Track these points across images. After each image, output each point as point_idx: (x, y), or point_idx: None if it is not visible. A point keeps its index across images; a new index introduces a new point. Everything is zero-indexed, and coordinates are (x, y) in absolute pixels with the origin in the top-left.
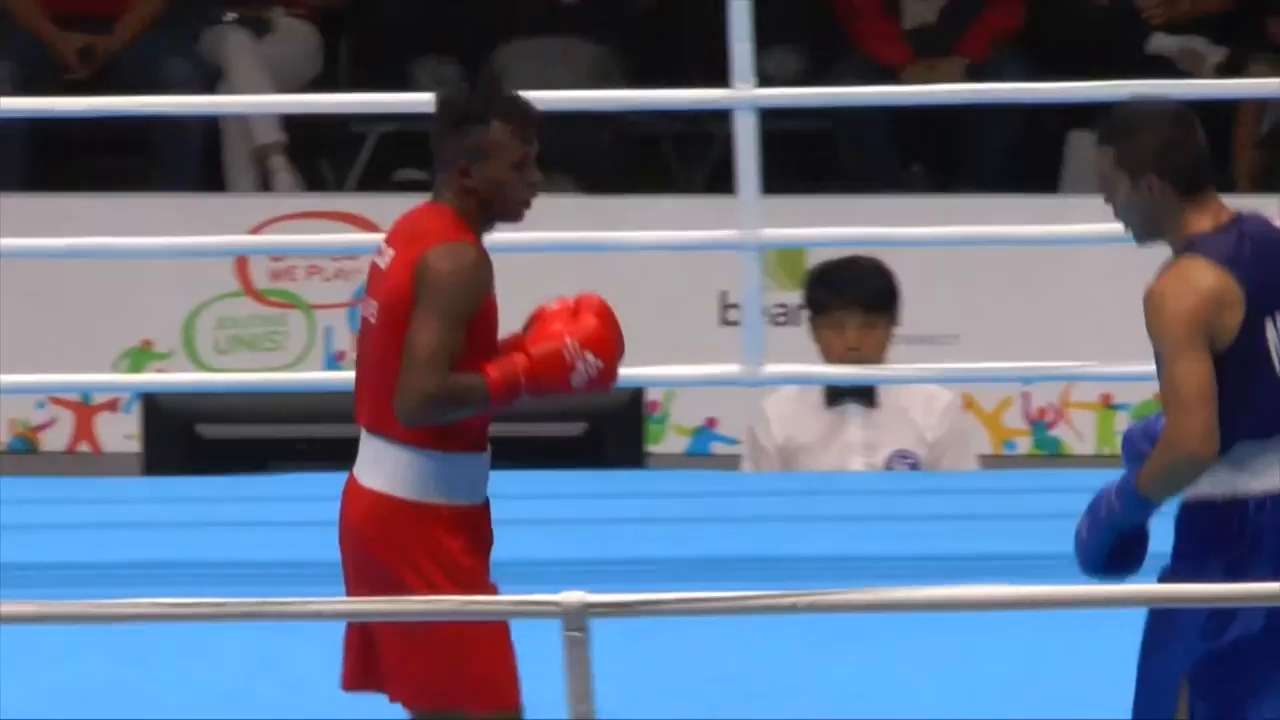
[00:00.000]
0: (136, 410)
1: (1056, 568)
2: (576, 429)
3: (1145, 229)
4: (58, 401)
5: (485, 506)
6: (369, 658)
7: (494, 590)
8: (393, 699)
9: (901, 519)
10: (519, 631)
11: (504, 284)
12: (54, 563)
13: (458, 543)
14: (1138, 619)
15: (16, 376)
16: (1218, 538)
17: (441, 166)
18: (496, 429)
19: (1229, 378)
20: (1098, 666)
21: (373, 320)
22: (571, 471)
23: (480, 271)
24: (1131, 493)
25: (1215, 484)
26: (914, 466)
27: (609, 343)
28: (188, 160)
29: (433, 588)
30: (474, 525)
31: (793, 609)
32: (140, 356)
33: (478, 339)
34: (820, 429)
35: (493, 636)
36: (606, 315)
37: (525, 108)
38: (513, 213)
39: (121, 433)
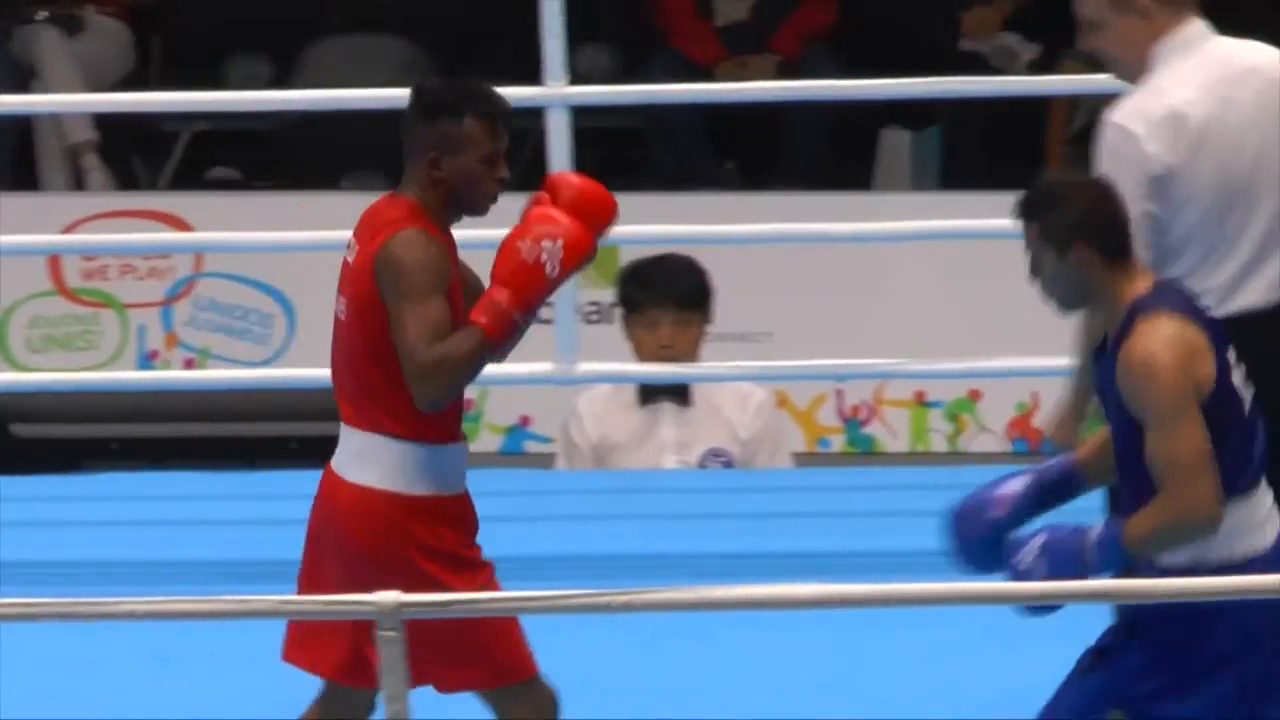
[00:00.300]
0: None
1: (871, 564)
2: None
3: (1072, 299)
4: None
5: (468, 495)
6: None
7: (493, 576)
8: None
9: (715, 517)
10: None
11: (319, 281)
12: None
13: (455, 534)
14: (952, 617)
15: None
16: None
17: (409, 156)
18: (309, 429)
19: (1212, 431)
20: (915, 664)
21: (343, 317)
22: None
23: (439, 252)
24: (1114, 547)
25: (1205, 549)
26: (728, 464)
27: (554, 219)
28: None
29: (437, 582)
30: (463, 514)
31: (607, 608)
32: None
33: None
34: (634, 427)
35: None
36: (557, 190)
37: (499, 103)
38: (479, 206)
39: None
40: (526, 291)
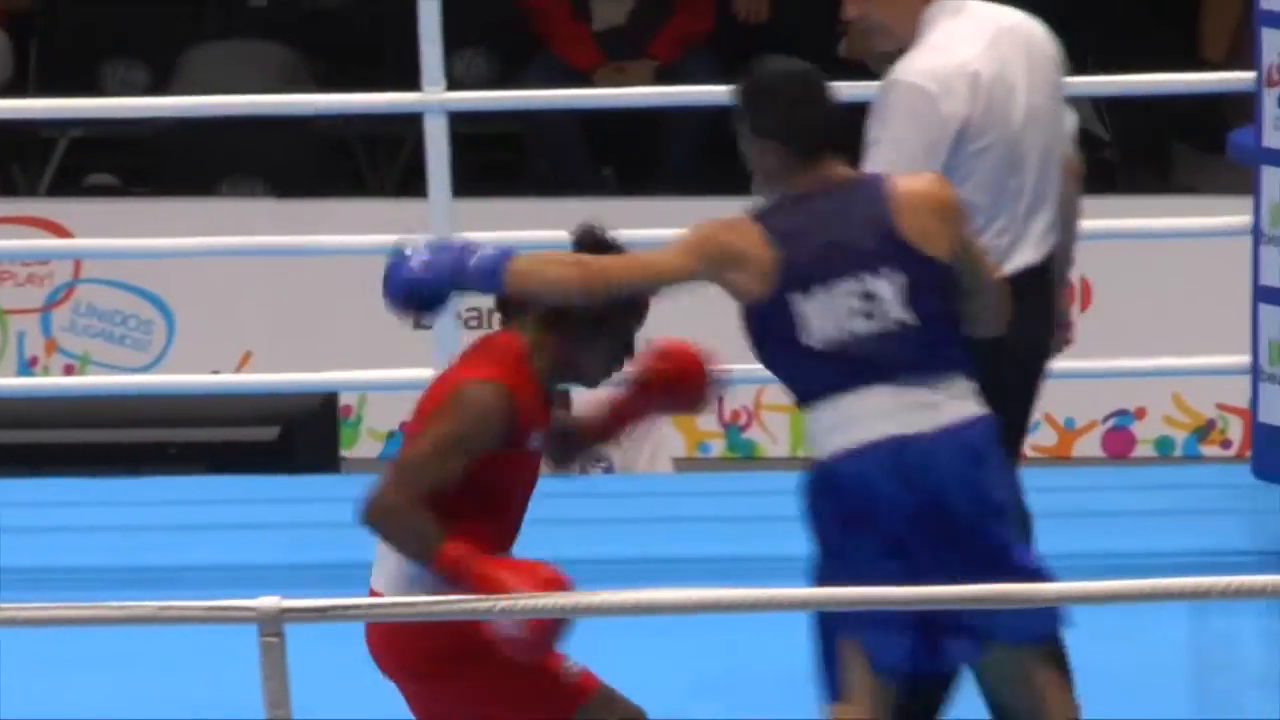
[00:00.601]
0: None
1: (752, 569)
2: (269, 433)
3: (765, 191)
4: None
5: None
6: None
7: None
8: None
9: (595, 522)
10: (212, 637)
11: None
12: None
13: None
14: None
15: None
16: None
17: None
18: (188, 434)
19: (774, 337)
20: (796, 665)
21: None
22: (264, 477)
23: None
24: (496, 264)
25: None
26: (608, 469)
27: (545, 626)
28: None
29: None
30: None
31: (489, 613)
32: None
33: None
34: None
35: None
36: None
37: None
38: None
39: None
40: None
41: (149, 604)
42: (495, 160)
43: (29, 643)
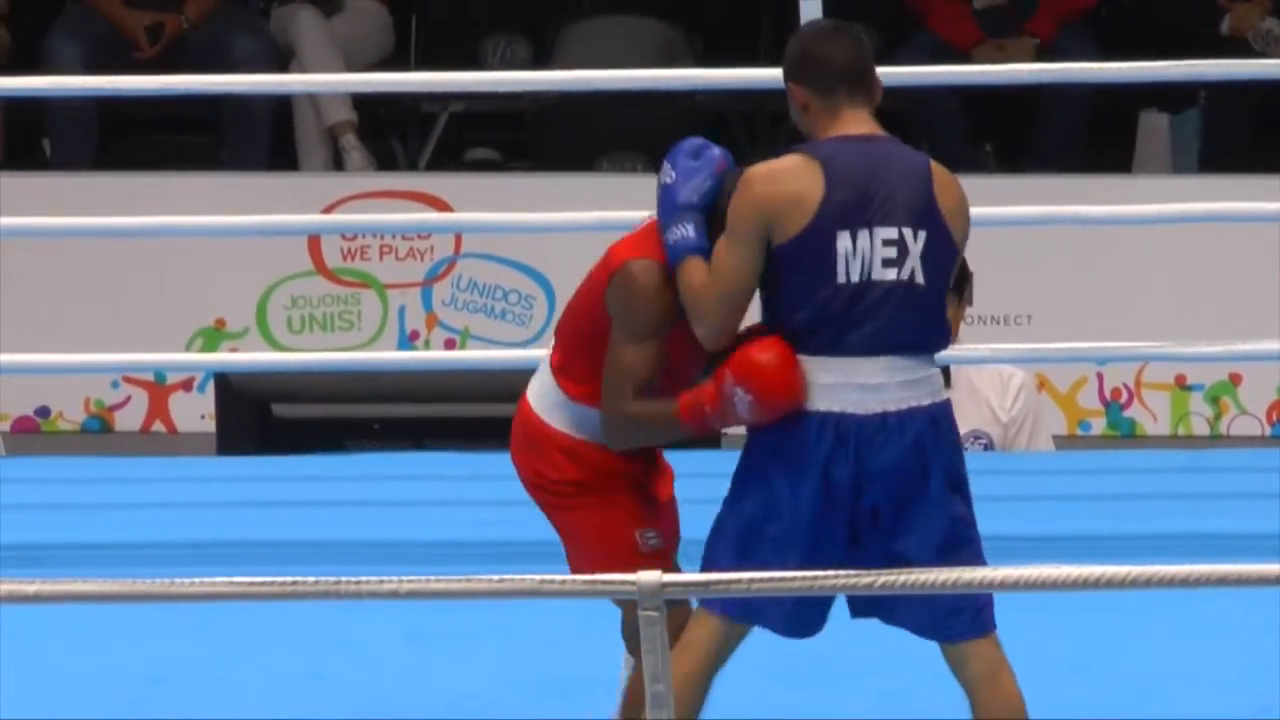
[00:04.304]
0: (210, 390)
1: (1132, 548)
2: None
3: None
4: (132, 381)
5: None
6: None
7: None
8: None
9: (976, 499)
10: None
11: (578, 262)
12: (130, 542)
13: (574, 470)
14: (1212, 598)
15: (90, 356)
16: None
17: None
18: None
19: (790, 275)
20: (1177, 645)
21: (581, 283)
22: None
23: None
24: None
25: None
26: (988, 447)
27: (762, 378)
28: (258, 139)
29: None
30: (592, 456)
31: (870, 588)
32: (214, 336)
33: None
34: None
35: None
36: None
37: None
38: None
39: (196, 412)
40: (706, 413)
41: (530, 577)
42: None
43: (399, 616)
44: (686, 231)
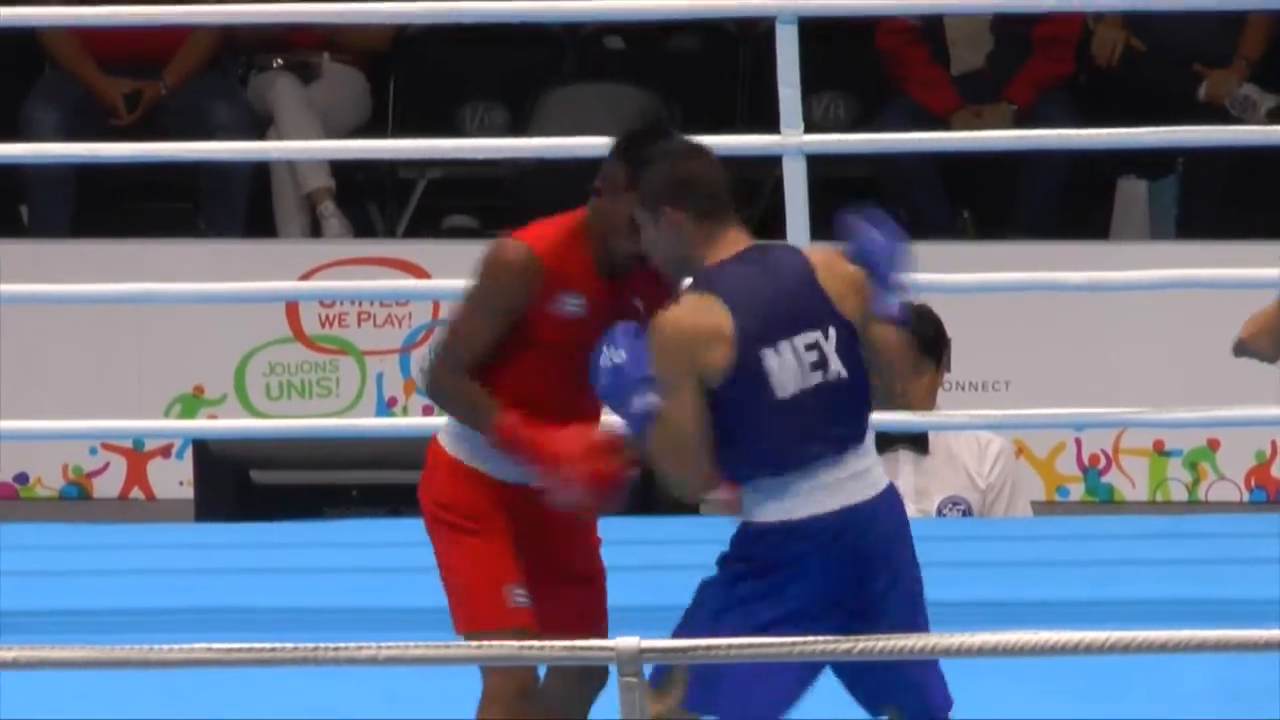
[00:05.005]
0: (189, 457)
1: (1111, 613)
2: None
3: (674, 264)
4: (110, 448)
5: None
6: None
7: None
8: None
9: (953, 565)
10: None
11: None
12: (108, 609)
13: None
14: (1187, 665)
15: (69, 423)
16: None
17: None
18: None
19: (728, 413)
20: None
21: None
22: (627, 518)
23: (528, 273)
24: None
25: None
26: (966, 512)
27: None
28: (235, 206)
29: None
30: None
31: (847, 653)
32: (192, 403)
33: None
34: None
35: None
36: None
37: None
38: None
39: (175, 479)
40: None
41: (509, 643)
42: (851, 204)
43: (380, 683)
44: (651, 401)
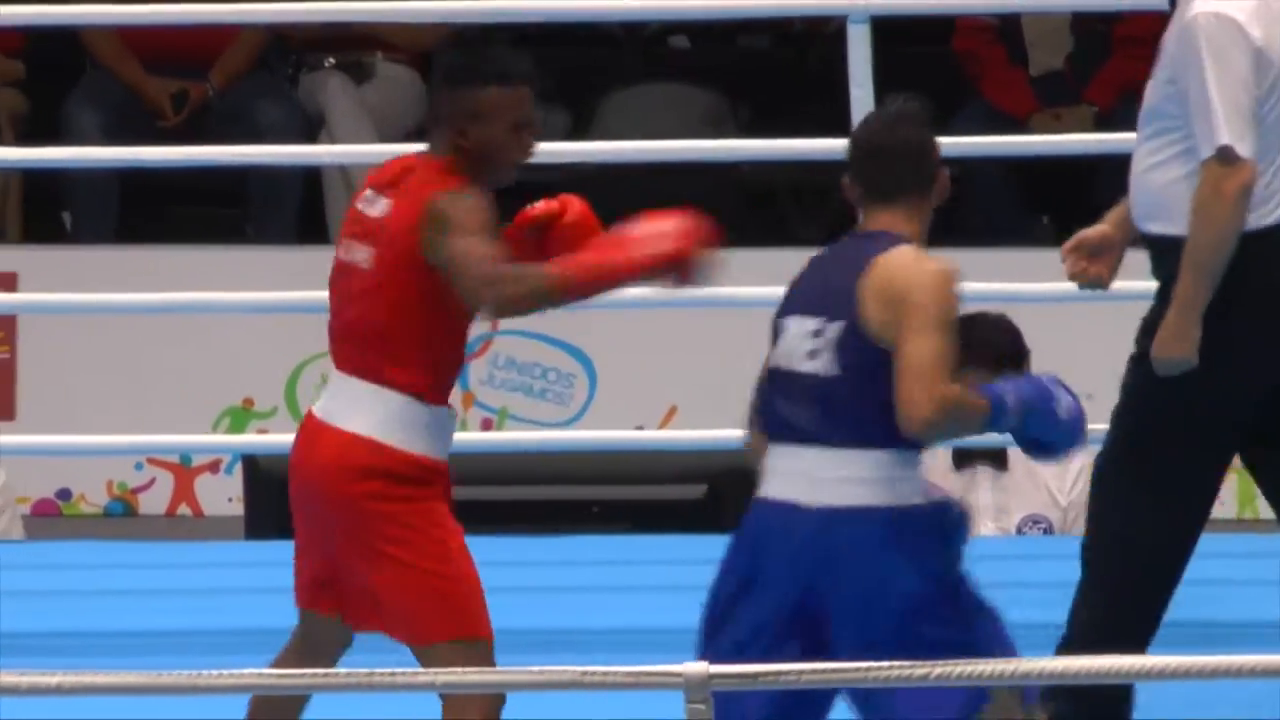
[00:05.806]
0: (238, 472)
1: (1196, 635)
2: (696, 491)
3: None
4: (156, 463)
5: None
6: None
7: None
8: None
9: (1034, 585)
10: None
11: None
12: (155, 630)
13: (420, 499)
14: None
15: (113, 437)
16: None
17: (435, 124)
18: (612, 492)
19: None
20: None
21: (366, 266)
22: (690, 535)
23: (486, 207)
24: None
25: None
26: (1047, 531)
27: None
28: (286, 212)
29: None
30: (435, 482)
31: (924, 679)
32: (241, 416)
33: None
34: (949, 492)
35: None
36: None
37: (519, 69)
38: (504, 175)
39: (224, 495)
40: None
41: (571, 668)
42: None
43: (431, 707)
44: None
